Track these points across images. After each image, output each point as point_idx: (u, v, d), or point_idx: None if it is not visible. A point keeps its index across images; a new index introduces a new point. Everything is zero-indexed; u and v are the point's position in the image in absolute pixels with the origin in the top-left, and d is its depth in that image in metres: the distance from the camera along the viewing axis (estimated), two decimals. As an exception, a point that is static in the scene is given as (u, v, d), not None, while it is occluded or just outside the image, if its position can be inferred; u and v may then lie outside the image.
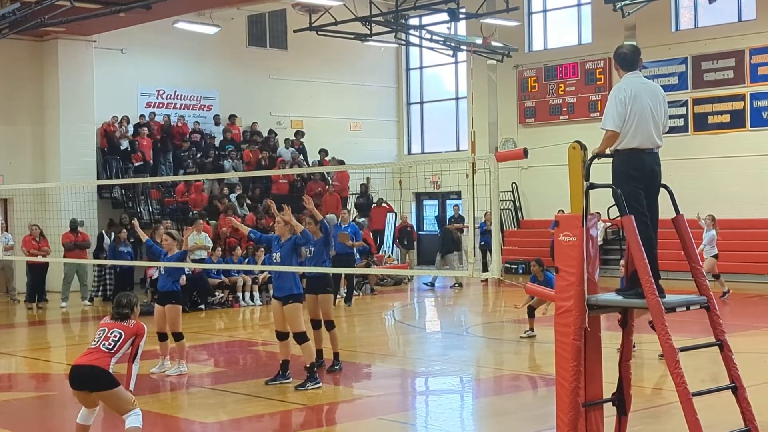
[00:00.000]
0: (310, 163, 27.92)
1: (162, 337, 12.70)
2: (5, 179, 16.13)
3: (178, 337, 12.64)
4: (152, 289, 19.16)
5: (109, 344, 7.80)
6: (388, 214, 27.56)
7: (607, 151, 7.28)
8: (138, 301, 8.40)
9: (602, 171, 7.28)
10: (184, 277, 19.34)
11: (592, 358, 7.13)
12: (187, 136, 27.11)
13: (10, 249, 20.65)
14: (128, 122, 25.97)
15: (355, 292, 21.78)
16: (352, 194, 27.82)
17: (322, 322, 12.37)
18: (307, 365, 11.39)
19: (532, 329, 15.07)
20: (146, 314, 14.31)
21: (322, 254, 12.25)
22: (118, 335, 7.88)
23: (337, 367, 12.37)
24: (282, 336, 11.59)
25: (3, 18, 19.32)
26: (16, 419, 10.43)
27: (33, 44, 24.72)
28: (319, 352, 12.21)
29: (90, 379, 7.73)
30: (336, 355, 12.41)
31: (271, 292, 13.80)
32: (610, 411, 7.39)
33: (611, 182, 7.17)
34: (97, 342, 7.84)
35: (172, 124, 26.95)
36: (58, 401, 11.25)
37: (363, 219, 25.24)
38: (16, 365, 14.64)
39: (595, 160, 7.14)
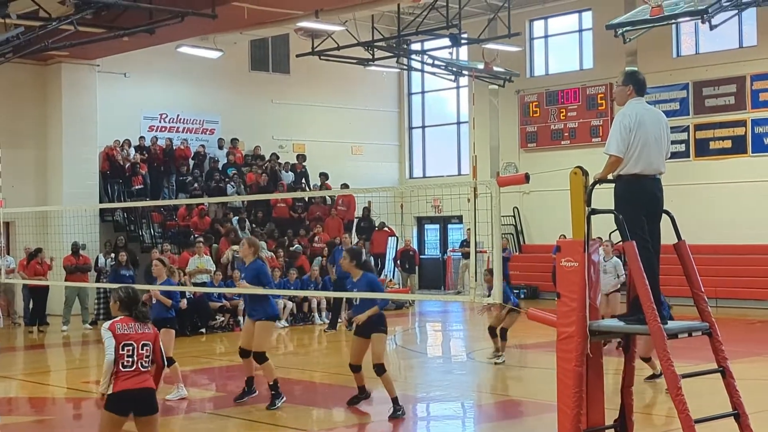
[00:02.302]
0: (311, 187, 27.97)
1: None
2: (8, 203, 16.11)
3: (170, 361, 12.57)
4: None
5: (145, 362, 7.25)
6: (389, 237, 27.55)
7: (610, 177, 7.29)
8: None
9: (604, 196, 7.29)
10: (185, 301, 19.39)
11: (593, 384, 7.11)
12: (190, 159, 27.18)
13: (11, 272, 20.64)
14: (130, 146, 26.03)
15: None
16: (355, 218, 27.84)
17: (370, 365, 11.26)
18: (270, 383, 11.68)
19: (498, 350, 15.23)
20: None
21: (380, 290, 11.64)
22: (149, 349, 7.29)
23: (399, 413, 11.02)
24: (245, 353, 11.86)
25: (7, 42, 19.39)
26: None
27: (36, 68, 24.81)
28: (361, 388, 11.58)
29: (149, 402, 7.26)
30: (395, 400, 11.09)
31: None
32: (612, 437, 7.36)
33: (613, 208, 7.18)
34: (134, 363, 7.17)
35: (175, 147, 27.01)
36: (57, 425, 11.22)
37: (296, 245, 25.02)
38: (16, 389, 14.60)
39: (597, 186, 7.16)
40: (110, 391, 7.13)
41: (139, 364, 7.20)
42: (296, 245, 24.47)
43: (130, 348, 7.19)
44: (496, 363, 14.95)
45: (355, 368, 11.38)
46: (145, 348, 7.24)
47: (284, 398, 11.71)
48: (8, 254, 21.54)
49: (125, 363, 7.16)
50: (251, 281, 11.68)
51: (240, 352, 11.98)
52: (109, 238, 24.07)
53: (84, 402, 13.24)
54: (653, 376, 12.61)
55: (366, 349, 11.16)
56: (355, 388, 11.67)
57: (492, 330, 15.26)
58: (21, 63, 23.17)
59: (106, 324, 7.33)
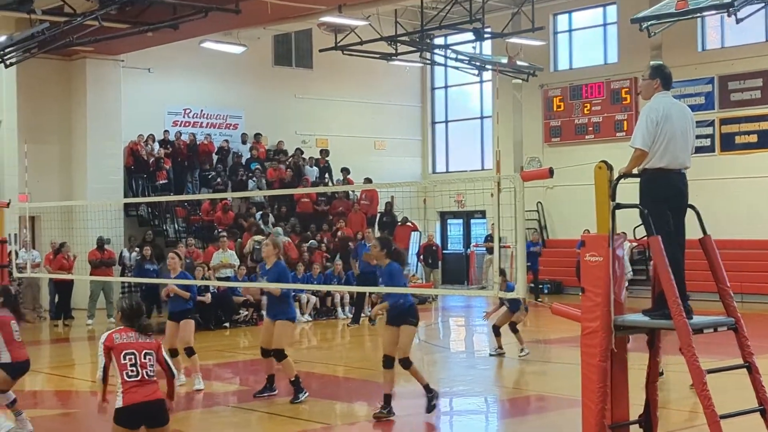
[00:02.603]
0: (334, 182, 28.00)
1: (173, 353, 12.77)
2: (33, 197, 16.23)
3: (190, 352, 12.80)
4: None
5: (150, 371, 7.06)
6: (412, 232, 27.53)
7: (635, 171, 7.25)
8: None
9: (629, 191, 7.25)
10: (209, 295, 19.47)
11: (618, 380, 7.08)
12: (214, 154, 27.28)
13: (37, 266, 20.78)
14: (154, 140, 26.14)
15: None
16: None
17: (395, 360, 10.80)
18: (292, 379, 11.71)
19: (500, 347, 15.33)
20: (162, 333, 14.30)
21: (399, 283, 10.91)
22: (152, 358, 7.11)
23: (433, 401, 10.83)
24: (266, 353, 11.94)
25: (32, 37, 19.51)
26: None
27: (61, 63, 24.95)
28: (387, 397, 10.86)
29: (161, 414, 7.10)
30: (426, 386, 10.86)
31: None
32: (636, 433, 7.33)
33: (638, 202, 7.14)
34: (138, 373, 6.99)
35: (198, 142, 27.11)
36: (82, 418, 11.28)
37: (312, 240, 24.91)
38: (42, 382, 14.69)
39: (622, 180, 7.12)
40: (120, 405, 6.95)
41: (144, 374, 7.00)
42: (311, 241, 24.47)
43: (132, 357, 7.01)
44: (520, 356, 14.92)
45: (389, 361, 10.69)
46: (147, 357, 7.06)
47: (307, 393, 11.76)
48: (34, 248, 21.69)
49: (129, 373, 6.98)
50: (273, 282, 11.76)
51: (261, 352, 12.07)
52: (133, 233, 24.16)
53: (108, 396, 13.30)
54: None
55: (397, 338, 10.73)
56: (376, 387, 11.61)
57: (496, 329, 15.37)
58: (46, 58, 23.31)
59: (104, 336, 7.17)
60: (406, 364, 10.70)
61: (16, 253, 16.01)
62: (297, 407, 11.46)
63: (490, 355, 15.55)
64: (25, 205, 16.01)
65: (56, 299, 21.71)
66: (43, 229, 23.31)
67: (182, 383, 12.72)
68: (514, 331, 15.23)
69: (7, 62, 20.76)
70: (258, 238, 22.67)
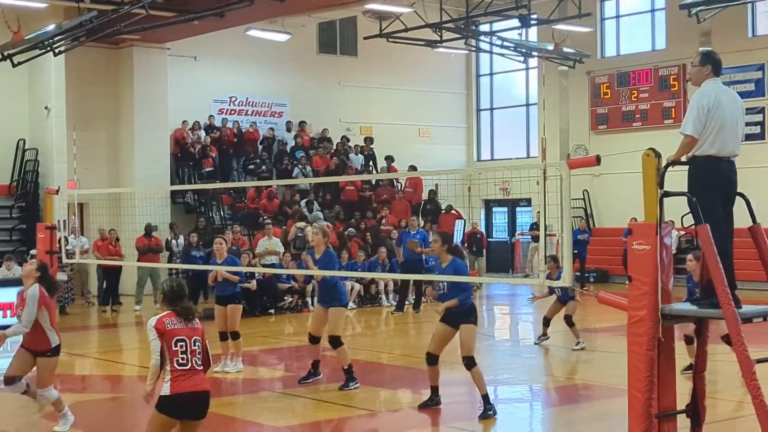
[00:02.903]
0: (378, 170, 28.01)
1: (222, 337, 13.02)
2: (81, 184, 16.41)
3: (235, 335, 13.05)
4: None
5: (198, 360, 6.84)
6: (456, 220, 27.46)
7: (683, 158, 7.17)
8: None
9: (677, 179, 7.17)
10: (254, 282, 19.59)
11: (665, 369, 7.01)
12: (259, 142, 27.41)
13: (86, 253, 21.04)
14: (200, 128, 26.32)
15: (423, 299, 21.74)
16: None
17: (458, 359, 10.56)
18: (345, 367, 11.76)
19: (545, 335, 15.33)
20: (209, 318, 14.44)
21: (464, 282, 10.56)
22: (200, 345, 6.90)
23: (491, 412, 10.25)
24: (314, 339, 12.07)
25: (80, 26, 19.71)
26: (89, 420, 10.59)
27: (109, 51, 25.18)
28: (434, 389, 10.71)
29: (203, 407, 6.88)
30: (485, 397, 10.32)
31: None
32: (683, 423, 7.26)
33: (686, 190, 7.06)
34: (188, 361, 6.78)
35: (244, 130, 27.25)
36: (129, 403, 11.41)
37: (350, 228, 24.81)
38: (91, 367, 14.91)
39: (671, 168, 7.04)
40: (166, 392, 6.71)
41: (194, 362, 6.79)
42: (349, 228, 24.48)
43: (183, 344, 6.78)
44: (573, 349, 14.78)
45: (432, 359, 10.51)
46: (197, 344, 6.84)
47: (358, 384, 11.77)
48: (82, 235, 21.95)
49: (180, 361, 6.74)
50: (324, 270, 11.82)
51: (309, 338, 12.17)
52: (174, 221, 24.29)
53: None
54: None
55: (449, 339, 10.41)
56: (421, 374, 11.61)
57: (546, 320, 15.26)
58: (94, 47, 23.54)
59: (153, 320, 6.88)
60: (470, 363, 10.26)
61: (66, 240, 16.21)
62: (342, 393, 11.52)
63: (535, 343, 15.47)
64: (74, 191, 16.18)
65: (104, 285, 21.97)
66: (91, 216, 23.58)
67: (239, 370, 12.93)
68: (570, 324, 14.99)
69: (56, 50, 20.98)
70: (300, 224, 22.77)
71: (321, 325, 11.98)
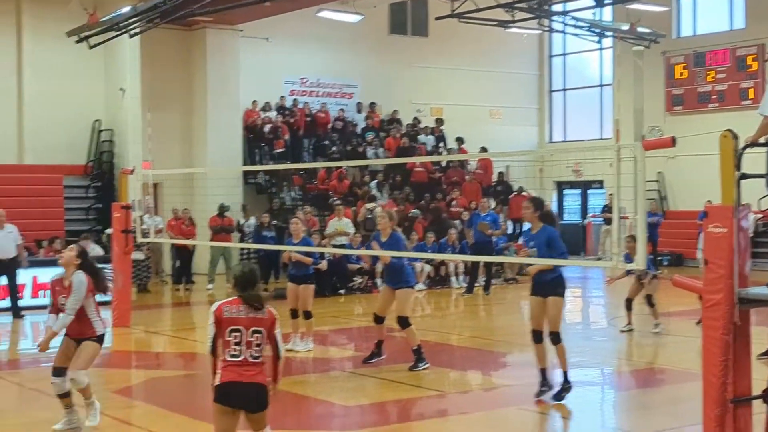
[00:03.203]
0: (449, 151, 27.91)
1: (293, 314, 13.16)
2: (155, 164, 16.64)
3: (307, 315, 13.23)
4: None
5: (255, 353, 6.48)
6: (526, 202, 27.23)
7: (762, 140, 7.01)
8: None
9: (755, 161, 7.02)
10: (325, 262, 19.68)
11: (740, 353, 6.88)
12: (330, 123, 27.50)
13: (160, 232, 21.35)
14: (270, 109, 26.48)
15: (493, 281, 21.66)
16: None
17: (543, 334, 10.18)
18: (414, 347, 11.76)
19: (630, 323, 14.93)
20: (281, 298, 14.58)
21: (559, 250, 9.97)
22: (261, 337, 6.52)
23: (566, 393, 10.09)
24: (379, 319, 12.08)
25: (154, 8, 19.94)
26: (164, 396, 10.79)
27: (182, 33, 25.46)
28: (543, 372, 10.28)
29: (255, 401, 6.51)
30: (565, 374, 10.12)
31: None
32: (758, 408, 7.13)
33: (765, 172, 6.91)
34: (241, 353, 6.45)
35: (314, 111, 27.36)
36: (203, 380, 11.53)
37: (415, 210, 24.53)
38: (164, 344, 15.16)
39: (748, 149, 6.89)
40: (217, 382, 6.49)
41: (248, 354, 6.43)
42: (414, 210, 24.43)
43: (238, 334, 6.44)
44: (652, 332, 14.56)
45: (537, 336, 10.08)
46: (255, 335, 6.45)
47: (428, 364, 11.78)
48: (156, 214, 22.29)
49: (232, 352, 6.44)
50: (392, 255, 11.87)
51: (374, 318, 12.20)
52: (246, 202, 24.51)
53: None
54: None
55: (544, 310, 10.01)
56: (490, 356, 11.55)
57: (629, 302, 14.97)
58: (167, 28, 23.79)
59: (214, 306, 6.62)
60: (556, 339, 9.98)
61: (142, 219, 16.48)
62: (412, 374, 11.54)
63: (621, 331, 15.13)
64: (149, 172, 16.42)
65: (178, 264, 22.29)
66: (165, 196, 23.92)
67: (309, 350, 13.10)
68: (651, 304, 14.77)
69: (131, 32, 21.27)
70: (370, 205, 22.82)
71: (387, 306, 12.03)
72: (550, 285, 9.93)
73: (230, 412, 6.45)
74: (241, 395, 6.43)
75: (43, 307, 9.35)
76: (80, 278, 8.64)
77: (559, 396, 10.06)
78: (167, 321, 18.20)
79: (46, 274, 13.92)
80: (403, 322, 11.77)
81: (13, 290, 17.07)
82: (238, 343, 6.43)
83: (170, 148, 24.25)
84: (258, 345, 6.48)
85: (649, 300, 14.80)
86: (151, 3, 19.90)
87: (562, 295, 10.02)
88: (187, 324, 17.83)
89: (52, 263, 12.56)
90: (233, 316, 6.47)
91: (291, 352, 12.78)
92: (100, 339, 8.83)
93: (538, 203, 10.24)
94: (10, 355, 14.45)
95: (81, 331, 8.72)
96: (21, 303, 17.11)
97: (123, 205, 16.46)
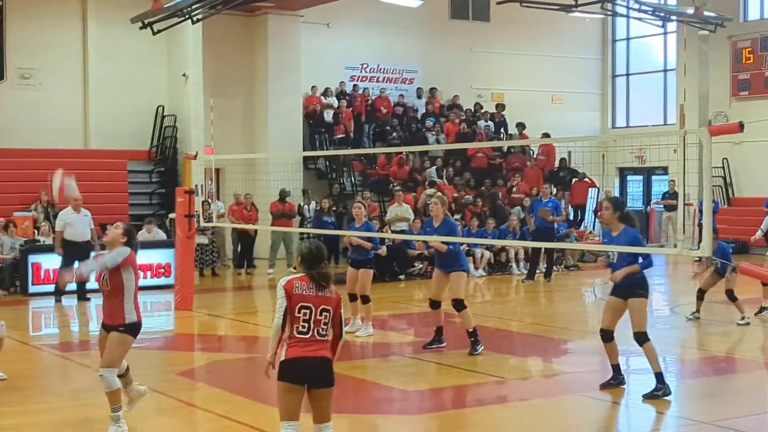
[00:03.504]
0: (509, 137, 27.72)
1: (352, 298, 13.24)
2: (217, 150, 16.78)
3: (365, 300, 13.28)
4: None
5: (322, 330, 6.49)
6: (589, 189, 27.02)
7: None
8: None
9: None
10: (384, 248, 19.72)
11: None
12: (390, 109, 27.46)
13: (222, 217, 21.57)
14: (331, 95, 26.53)
15: (554, 267, 21.51)
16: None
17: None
18: (470, 330, 11.81)
19: (698, 311, 14.64)
20: (340, 283, 14.63)
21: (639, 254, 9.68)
22: (328, 315, 6.53)
23: (660, 393, 9.71)
24: (435, 304, 12.12)
25: (218, -6, 20.08)
26: (226, 379, 10.90)
27: (244, 19, 25.59)
28: (615, 368, 10.12)
29: (323, 375, 6.48)
30: (659, 375, 9.77)
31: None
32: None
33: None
34: (309, 330, 6.46)
35: (374, 97, 27.36)
36: (263, 363, 11.62)
37: (469, 197, 24.19)
38: (226, 327, 15.31)
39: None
40: (283, 357, 6.47)
41: (316, 332, 6.46)
42: (466, 197, 24.29)
43: (307, 312, 6.47)
44: (738, 323, 14.17)
45: (607, 335, 9.90)
46: (323, 314, 6.49)
47: (483, 347, 11.80)
48: (218, 199, 22.50)
49: (300, 328, 6.45)
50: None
51: (430, 303, 12.23)
52: (307, 187, 24.62)
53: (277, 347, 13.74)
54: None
55: (622, 313, 9.81)
56: (551, 343, 11.49)
57: (701, 292, 14.67)
58: (230, 14, 23.97)
59: (283, 280, 6.57)
60: (642, 339, 9.69)
61: (208, 204, 16.62)
62: (471, 360, 11.52)
63: (687, 319, 14.91)
64: (211, 157, 16.57)
65: (239, 249, 22.48)
66: (227, 181, 24.12)
67: (369, 334, 13.24)
68: (733, 299, 14.33)
69: (194, 18, 21.44)
70: (430, 191, 22.78)
71: (441, 290, 12.06)
72: (632, 287, 9.69)
73: (296, 390, 6.41)
74: (308, 370, 6.42)
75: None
76: (124, 249, 8.18)
77: (652, 395, 9.70)
78: (229, 305, 18.38)
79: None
80: (459, 304, 11.82)
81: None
82: (306, 320, 6.45)
83: (232, 134, 24.43)
84: (326, 323, 6.50)
85: (731, 295, 14.41)
86: (213, -11, 20.04)
87: (645, 296, 9.79)
88: (249, 308, 17.99)
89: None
90: (303, 293, 6.49)
91: (351, 335, 12.84)
92: (129, 328, 8.19)
93: (617, 204, 9.90)
94: (80, 336, 14.73)
95: (112, 316, 8.20)
96: (87, 286, 17.39)
97: (186, 189, 16.63)
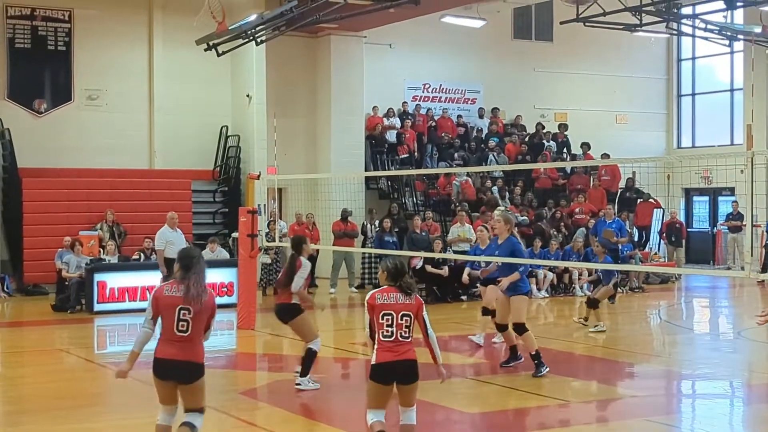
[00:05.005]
0: (573, 157, 27.49)
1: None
2: (280, 170, 16.89)
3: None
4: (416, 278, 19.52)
5: (404, 332, 7.38)
6: (654, 209, 26.68)
7: None
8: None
9: None
10: (446, 268, 19.63)
11: None
12: (453, 129, 27.39)
13: (284, 236, 21.66)
14: (394, 115, 26.58)
15: (619, 289, 21.22)
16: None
17: None
18: (532, 353, 11.75)
19: None
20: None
21: None
22: (409, 320, 7.42)
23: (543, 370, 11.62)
24: (502, 328, 12.26)
25: (281, 16, 20.27)
26: (288, 399, 10.90)
27: (307, 40, 25.79)
28: (514, 348, 11.81)
29: (410, 373, 7.41)
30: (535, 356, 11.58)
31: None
32: None
33: None
34: (393, 334, 7.35)
35: (437, 117, 27.35)
36: (327, 383, 11.64)
37: (523, 217, 23.79)
38: (287, 347, 15.33)
39: None
40: (374, 362, 7.39)
41: (399, 335, 7.35)
42: (522, 218, 24.00)
43: (389, 317, 7.36)
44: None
45: (502, 327, 11.68)
46: (404, 318, 7.36)
47: (548, 368, 11.71)
48: (281, 219, 22.62)
49: (385, 333, 7.36)
50: (505, 265, 11.96)
51: (497, 327, 12.21)
52: (372, 206, 24.65)
53: (351, 362, 13.76)
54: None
55: (509, 306, 11.76)
56: (614, 366, 11.31)
57: None
58: (293, 36, 24.15)
59: (368, 295, 7.58)
60: (521, 329, 11.71)
61: (275, 223, 16.67)
62: (534, 382, 11.40)
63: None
64: (274, 177, 16.68)
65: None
66: (289, 201, 24.26)
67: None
68: None
69: (258, 40, 21.66)
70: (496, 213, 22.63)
71: (506, 314, 12.04)
72: (516, 286, 11.68)
73: (384, 390, 7.41)
74: (396, 371, 7.35)
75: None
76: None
77: (538, 374, 11.46)
78: (290, 324, 18.40)
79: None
80: (520, 328, 11.80)
81: None
82: (390, 325, 7.36)
83: (295, 154, 24.56)
84: (407, 326, 7.40)
85: None
86: (278, 11, 20.24)
87: (525, 293, 11.88)
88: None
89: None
90: (385, 302, 7.43)
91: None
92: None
93: (508, 218, 12.03)
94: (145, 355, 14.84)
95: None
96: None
97: (249, 209, 16.76)
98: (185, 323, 7.12)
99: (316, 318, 19.12)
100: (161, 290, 7.27)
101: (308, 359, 10.94)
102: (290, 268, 11.05)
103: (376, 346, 7.41)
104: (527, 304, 12.39)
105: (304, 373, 10.97)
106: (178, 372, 7.16)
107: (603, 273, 16.31)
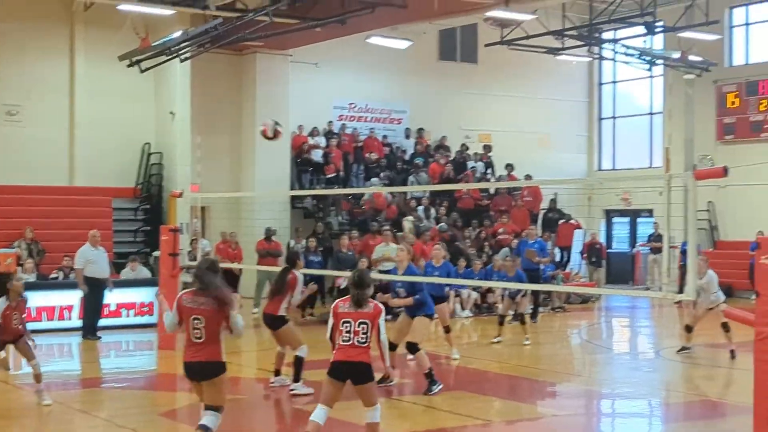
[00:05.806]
0: (496, 178, 27.77)
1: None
2: (203, 188, 16.74)
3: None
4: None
5: (361, 338, 8.14)
6: (575, 230, 27.06)
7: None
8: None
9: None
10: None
11: (794, 389, 6.73)
12: (378, 149, 27.46)
13: (207, 255, 21.43)
14: (319, 134, 26.56)
15: (540, 309, 21.44)
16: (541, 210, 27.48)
17: None
18: (426, 371, 11.93)
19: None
20: (324, 323, 14.52)
21: None
22: (366, 326, 8.17)
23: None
24: (392, 347, 11.92)
25: (206, 33, 20.16)
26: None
27: (232, 58, 25.66)
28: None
29: (358, 374, 8.13)
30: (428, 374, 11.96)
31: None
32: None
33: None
34: (350, 339, 8.14)
35: (363, 137, 27.40)
36: (247, 405, 11.54)
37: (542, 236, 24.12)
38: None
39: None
40: (331, 360, 8.20)
41: (355, 340, 8.13)
42: (441, 224, 24.29)
43: (348, 325, 8.17)
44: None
45: (393, 347, 11.95)
46: (362, 326, 8.15)
47: (441, 385, 11.86)
48: (204, 238, 22.39)
49: (344, 338, 8.17)
50: (408, 287, 12.29)
51: (389, 346, 12.14)
52: (297, 225, 24.57)
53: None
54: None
55: (408, 328, 12.19)
56: (536, 385, 11.41)
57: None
58: (218, 53, 24.00)
59: (333, 304, 8.44)
60: (414, 348, 11.93)
61: (196, 242, 16.48)
62: (456, 401, 11.42)
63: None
64: (197, 195, 16.50)
65: (224, 287, 22.30)
66: (213, 219, 24.04)
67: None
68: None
69: (182, 57, 21.49)
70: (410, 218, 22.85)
71: (401, 335, 12.27)
72: (419, 308, 12.16)
73: (336, 385, 8.20)
74: (348, 371, 8.14)
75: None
76: None
77: (430, 391, 11.67)
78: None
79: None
80: (413, 347, 11.99)
81: (99, 309, 17.36)
82: (348, 331, 8.16)
83: (219, 172, 24.35)
84: (364, 333, 8.16)
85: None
86: (202, 28, 20.12)
87: (429, 316, 12.28)
88: (232, 348, 17.68)
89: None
90: (345, 311, 8.26)
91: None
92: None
93: (445, 247, 13.66)
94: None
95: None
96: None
97: (171, 227, 16.56)
98: (198, 331, 7.99)
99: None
100: (181, 298, 8.22)
101: (298, 365, 11.67)
102: (280, 280, 11.82)
103: (335, 348, 8.21)
104: (429, 326, 12.73)
105: (296, 379, 11.69)
106: (199, 371, 8.07)
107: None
